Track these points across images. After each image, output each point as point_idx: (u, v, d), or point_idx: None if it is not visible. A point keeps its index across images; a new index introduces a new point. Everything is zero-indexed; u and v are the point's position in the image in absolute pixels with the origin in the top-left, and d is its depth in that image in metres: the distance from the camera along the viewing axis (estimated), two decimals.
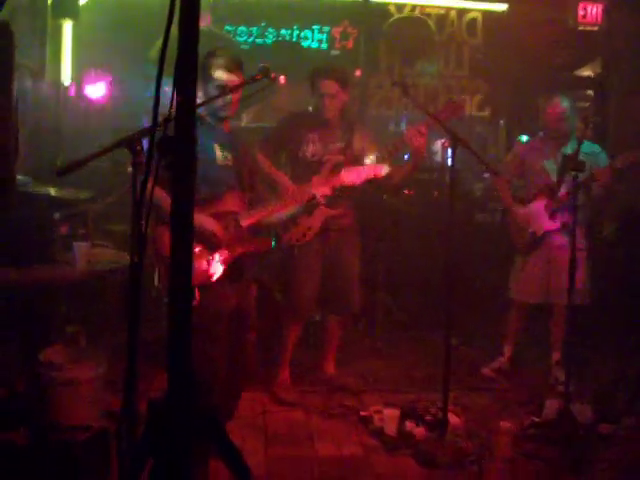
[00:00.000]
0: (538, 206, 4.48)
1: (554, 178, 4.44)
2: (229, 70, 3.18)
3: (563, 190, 4.36)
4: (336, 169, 3.90)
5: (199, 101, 3.06)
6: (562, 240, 4.36)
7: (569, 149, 4.38)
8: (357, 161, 4.02)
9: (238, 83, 3.17)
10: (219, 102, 3.14)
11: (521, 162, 4.65)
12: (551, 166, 4.48)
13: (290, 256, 4.08)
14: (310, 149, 4.05)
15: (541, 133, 4.70)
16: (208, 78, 3.18)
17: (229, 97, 3.17)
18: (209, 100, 3.06)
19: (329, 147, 4.08)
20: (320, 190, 3.61)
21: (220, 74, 3.17)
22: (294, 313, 4.19)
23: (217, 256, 3.17)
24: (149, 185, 1.60)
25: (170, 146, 1.34)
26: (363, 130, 4.24)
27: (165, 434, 1.36)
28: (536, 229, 4.49)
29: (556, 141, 4.51)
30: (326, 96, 4.00)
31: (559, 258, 4.31)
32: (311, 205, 3.78)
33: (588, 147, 4.32)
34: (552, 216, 4.44)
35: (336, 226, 4.09)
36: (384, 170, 3.75)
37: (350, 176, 3.67)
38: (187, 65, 1.40)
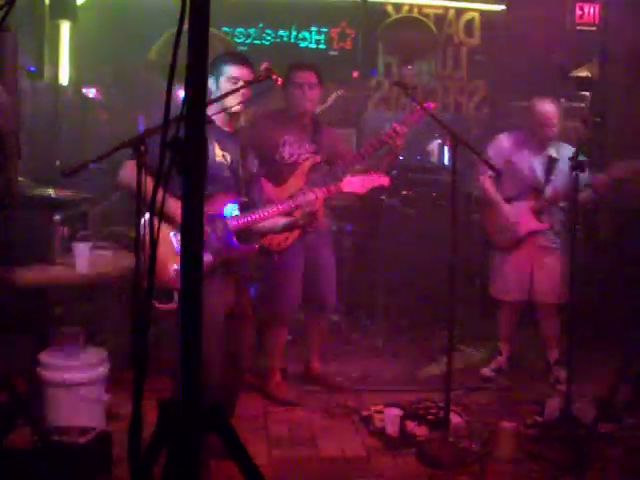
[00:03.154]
0: (523, 206, 4.46)
1: (541, 178, 4.46)
2: (241, 64, 3.22)
3: (549, 191, 4.40)
4: (313, 170, 4.00)
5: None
6: (546, 241, 4.46)
7: (553, 151, 4.44)
8: (327, 163, 4.09)
9: (249, 79, 3.19)
10: (232, 98, 3.13)
11: (507, 158, 4.50)
12: (538, 165, 4.47)
13: (270, 262, 4.01)
14: (287, 150, 4.03)
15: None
16: (220, 72, 3.21)
17: (242, 91, 3.17)
18: (222, 96, 3.08)
19: (304, 147, 4.08)
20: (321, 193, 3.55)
21: (233, 68, 3.20)
22: (279, 320, 4.13)
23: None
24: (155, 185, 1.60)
25: (181, 146, 1.33)
26: (331, 132, 4.28)
27: (177, 431, 1.36)
28: (520, 228, 4.46)
29: (541, 142, 4.46)
30: (306, 85, 3.97)
31: (543, 259, 4.44)
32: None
33: (570, 151, 4.23)
34: (538, 217, 4.46)
35: (313, 228, 3.99)
36: (387, 180, 3.65)
37: (352, 185, 3.56)
38: (197, 65, 1.40)
